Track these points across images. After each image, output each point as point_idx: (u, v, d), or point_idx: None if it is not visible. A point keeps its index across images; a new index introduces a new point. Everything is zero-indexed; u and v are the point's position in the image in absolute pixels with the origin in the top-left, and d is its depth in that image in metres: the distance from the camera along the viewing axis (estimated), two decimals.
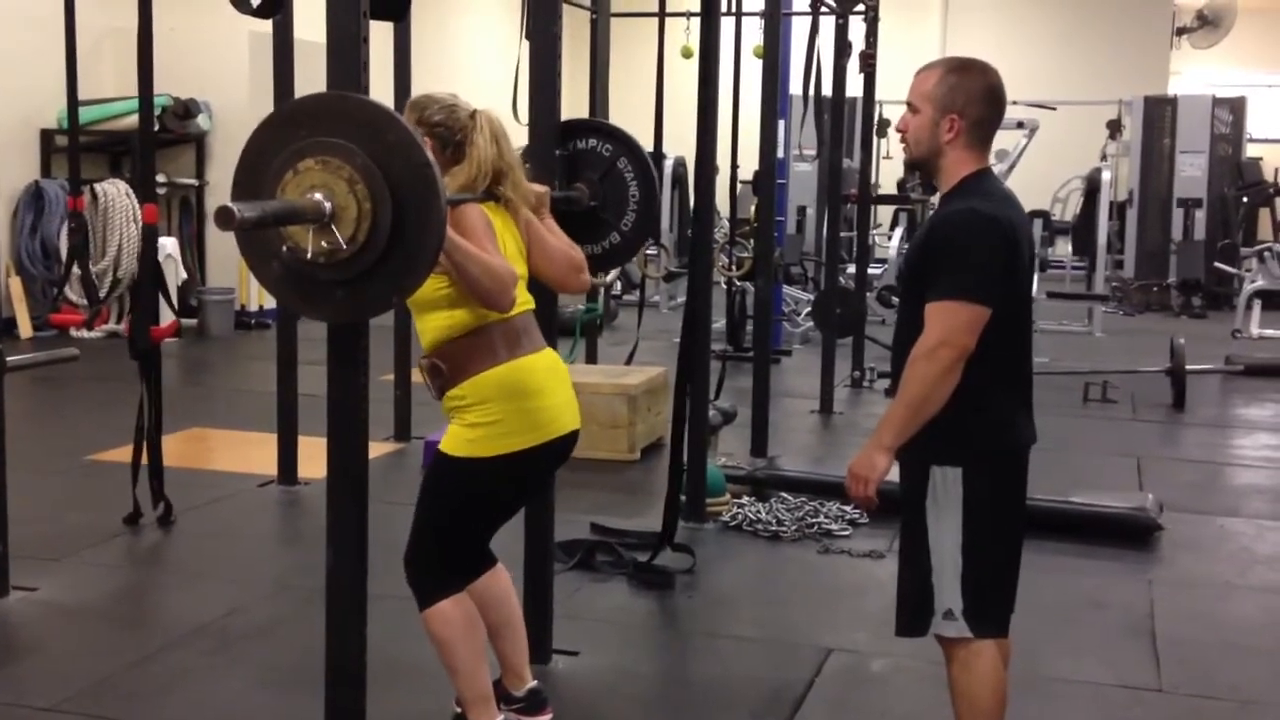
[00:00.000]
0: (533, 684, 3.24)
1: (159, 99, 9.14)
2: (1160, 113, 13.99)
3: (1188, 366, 7.97)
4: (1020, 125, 11.99)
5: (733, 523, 5.10)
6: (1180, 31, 16.27)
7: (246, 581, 4.40)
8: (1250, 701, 3.62)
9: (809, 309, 9.99)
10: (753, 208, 7.52)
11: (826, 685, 3.65)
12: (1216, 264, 13.24)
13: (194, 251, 10.77)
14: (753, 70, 6.77)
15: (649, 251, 8.83)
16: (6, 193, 9.65)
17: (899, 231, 12.93)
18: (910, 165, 2.80)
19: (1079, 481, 5.53)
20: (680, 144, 8.15)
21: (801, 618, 4.25)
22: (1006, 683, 2.76)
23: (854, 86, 7.99)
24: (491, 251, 2.84)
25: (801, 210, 12.24)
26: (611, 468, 5.99)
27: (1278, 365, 9.21)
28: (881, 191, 13.68)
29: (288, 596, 4.23)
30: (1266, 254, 11.59)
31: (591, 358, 7.82)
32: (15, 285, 9.47)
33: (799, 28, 8.82)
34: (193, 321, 9.98)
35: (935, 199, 2.83)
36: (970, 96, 2.67)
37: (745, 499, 5.33)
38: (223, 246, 10.63)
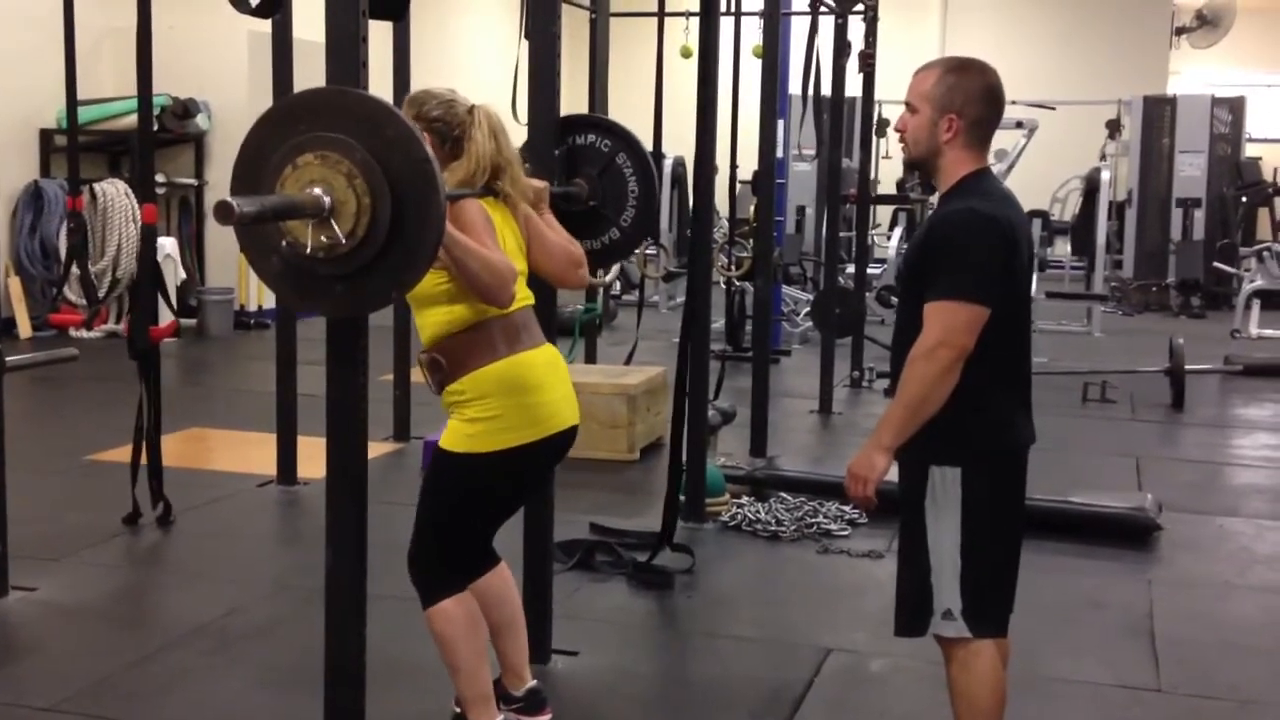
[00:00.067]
0: (532, 684, 3.24)
1: (158, 99, 9.11)
2: (1159, 112, 13.99)
3: (1187, 366, 7.97)
4: (1019, 125, 12.00)
5: (732, 523, 5.10)
6: (1179, 31, 16.28)
7: (246, 581, 4.40)
8: (1249, 701, 3.62)
9: (808, 309, 9.99)
10: (752, 207, 7.51)
11: (826, 685, 3.65)
12: (1215, 264, 13.24)
13: (193, 251, 10.77)
14: (752, 70, 6.77)
15: (648, 251, 8.82)
16: (6, 192, 9.65)
17: (898, 231, 12.94)
18: (909, 165, 2.80)
19: (1078, 481, 5.53)
20: (680, 144, 8.15)
21: (801, 618, 4.25)
22: (1005, 683, 2.76)
23: (853, 86, 7.99)
24: (491, 247, 2.84)
25: (801, 210, 12.24)
26: (611, 468, 5.99)
27: (1277, 365, 9.21)
28: (880, 191, 13.68)
29: (287, 596, 4.23)
30: (1265, 254, 11.59)
31: (591, 358, 7.81)
32: (14, 285, 9.47)
33: (798, 27, 8.83)
34: (192, 321, 9.98)
35: (934, 199, 2.83)
36: (969, 96, 2.67)
37: (744, 499, 5.33)
38: (222, 246, 10.64)
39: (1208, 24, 15.62)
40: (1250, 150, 15.24)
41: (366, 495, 2.47)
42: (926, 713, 3.39)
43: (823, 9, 7.30)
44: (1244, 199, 14.13)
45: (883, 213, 14.44)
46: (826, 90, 7.89)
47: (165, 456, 4.99)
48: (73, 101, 5.36)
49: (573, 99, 4.41)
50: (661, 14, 7.05)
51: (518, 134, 3.30)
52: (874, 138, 9.41)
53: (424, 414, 6.18)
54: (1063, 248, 14.41)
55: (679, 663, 3.95)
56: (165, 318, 5.04)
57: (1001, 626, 2.77)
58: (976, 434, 2.67)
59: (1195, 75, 18.41)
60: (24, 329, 9.42)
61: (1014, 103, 7.66)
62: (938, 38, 17.90)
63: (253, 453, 6.03)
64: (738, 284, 8.79)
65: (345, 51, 2.34)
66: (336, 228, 2.21)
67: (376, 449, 6.00)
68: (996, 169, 8.98)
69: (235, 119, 9.99)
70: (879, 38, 8.11)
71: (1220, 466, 6.64)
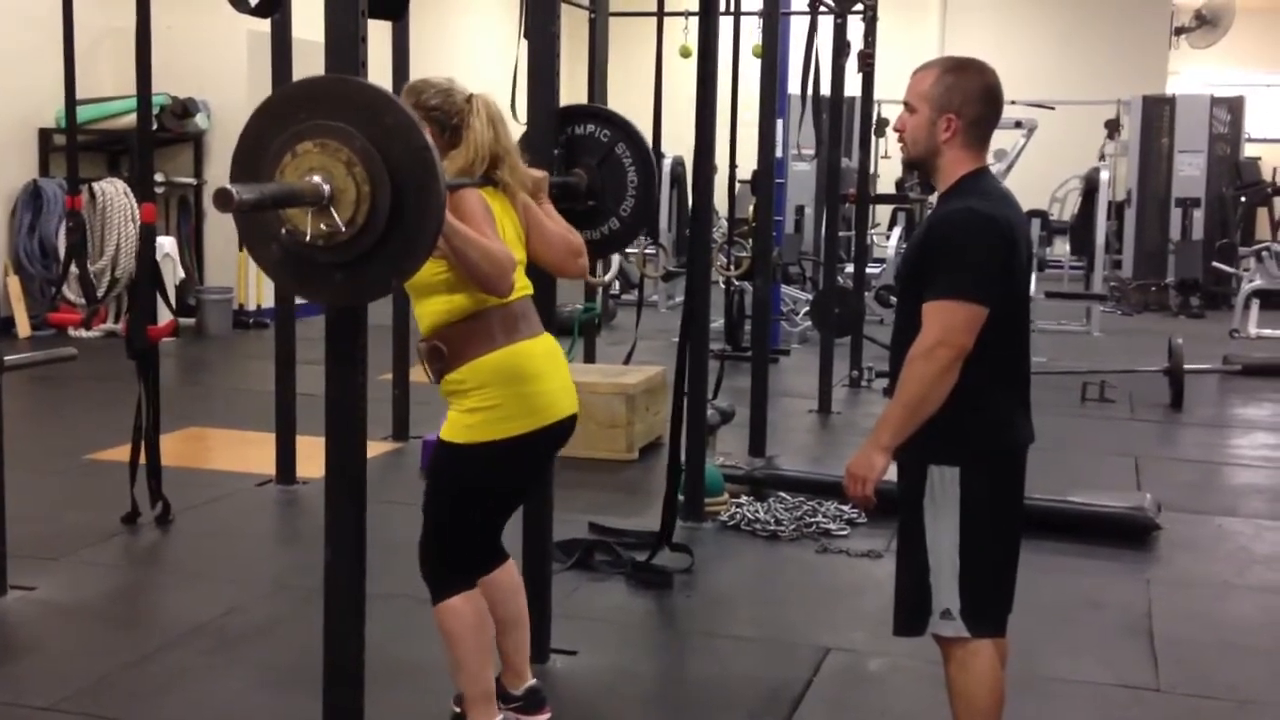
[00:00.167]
0: (532, 683, 3.25)
1: (157, 98, 9.13)
2: (1158, 112, 13.99)
3: (1186, 366, 7.97)
4: (1018, 125, 11.99)
5: (731, 522, 5.10)
6: (1179, 31, 16.27)
7: (245, 581, 4.40)
8: (1248, 701, 3.62)
9: (807, 308, 9.99)
10: (751, 207, 7.51)
11: (824, 685, 3.65)
12: (1214, 264, 13.24)
13: (192, 251, 10.76)
14: (751, 70, 6.77)
15: (647, 251, 8.82)
16: (5, 192, 9.64)
17: (897, 231, 12.94)
18: (908, 165, 2.81)
19: (1077, 481, 5.53)
20: (679, 143, 8.15)
21: (799, 617, 4.25)
22: (1004, 682, 2.76)
23: (852, 86, 7.99)
24: (490, 236, 2.84)
25: (800, 210, 12.23)
26: (610, 467, 5.99)
27: (1276, 365, 9.21)
28: (879, 191, 13.68)
29: (286, 596, 4.23)
30: (1264, 253, 11.59)
31: (590, 357, 7.81)
32: (13, 284, 9.46)
33: (797, 27, 8.82)
34: (191, 321, 9.97)
35: (933, 198, 2.83)
36: (967, 96, 2.67)
37: (743, 498, 5.33)
38: (221, 246, 10.65)
39: (1207, 24, 15.62)
40: (1249, 150, 15.24)
41: (365, 495, 2.47)
42: (925, 712, 3.39)
43: (822, 9, 7.30)
44: (1243, 199, 14.13)
45: (882, 212, 14.44)
46: (826, 90, 7.89)
47: (164, 456, 4.99)
48: (72, 101, 5.36)
49: (572, 98, 4.40)
50: (661, 14, 7.05)
51: (517, 134, 3.30)
52: (873, 137, 9.41)
53: (423, 413, 6.18)
54: (1062, 247, 14.40)
55: (678, 662, 3.95)
56: (164, 317, 5.03)
57: (1000, 626, 2.77)
58: (975, 433, 2.67)
59: (1194, 75, 18.41)
60: (23, 328, 9.42)
61: (1013, 102, 7.67)
62: (937, 37, 17.90)
63: (252, 452, 6.03)
64: (737, 283, 8.79)
65: (344, 51, 2.34)
66: (336, 215, 2.21)
67: (375, 448, 6.00)
68: (996, 169, 9.00)
69: (234, 118, 9.91)
70: (878, 37, 8.11)
71: (1219, 466, 6.64)
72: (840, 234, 9.18)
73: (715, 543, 4.92)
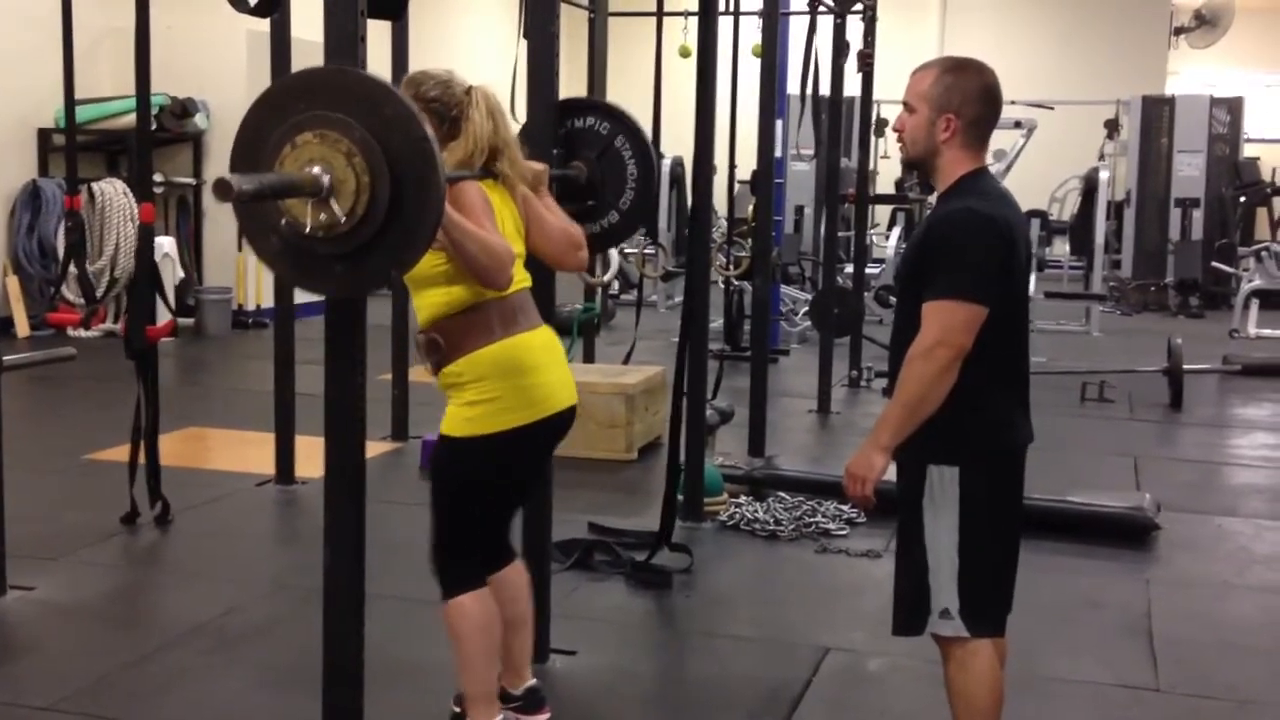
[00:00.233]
0: (531, 683, 3.24)
1: (156, 98, 9.13)
2: (1158, 113, 14.00)
3: (1185, 366, 7.97)
4: (1018, 125, 12.00)
5: (730, 522, 5.10)
6: (1178, 31, 16.27)
7: (244, 581, 4.40)
8: (1248, 701, 3.62)
9: (806, 308, 9.99)
10: (750, 207, 7.51)
11: (824, 684, 3.65)
12: (1214, 264, 13.25)
13: (191, 251, 10.76)
14: (751, 70, 6.77)
15: (647, 251, 8.83)
16: (4, 192, 9.64)
17: (896, 231, 12.95)
18: (907, 165, 2.81)
19: (1076, 481, 5.53)
20: (678, 143, 8.14)
21: (799, 617, 4.25)
22: (1003, 682, 2.77)
23: (852, 86, 7.99)
24: (489, 229, 2.84)
25: (799, 210, 12.23)
26: (609, 467, 5.99)
27: (1275, 365, 9.21)
28: (879, 191, 13.68)
29: (285, 596, 4.23)
30: (1264, 253, 11.59)
31: (589, 357, 7.81)
32: (12, 284, 9.46)
33: (797, 27, 8.81)
34: (190, 321, 9.97)
35: (932, 198, 2.83)
36: (966, 96, 2.67)
37: (743, 498, 5.33)
38: (220, 246, 10.65)
39: (1206, 24, 15.63)
40: (1248, 150, 15.24)
41: (365, 495, 2.47)
42: (925, 712, 3.39)
43: (821, 9, 7.30)
44: (1242, 199, 14.13)
45: (881, 212, 14.44)
46: (825, 90, 7.89)
47: (163, 456, 4.99)
48: (71, 101, 5.37)
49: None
50: (660, 14, 7.05)
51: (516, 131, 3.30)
52: (872, 137, 9.40)
53: (422, 413, 6.18)
54: (1061, 247, 14.41)
55: (677, 662, 3.95)
56: (163, 317, 5.03)
57: (999, 626, 2.77)
58: (974, 433, 2.67)
59: (1194, 75, 18.41)
60: (22, 328, 9.42)
61: (1012, 102, 7.66)
62: (936, 37, 17.90)
63: (251, 452, 6.03)
64: (736, 283, 8.79)
65: (344, 51, 2.34)
66: (335, 206, 2.20)
67: (375, 448, 6.00)
68: (995, 169, 9.00)
69: (234, 118, 9.74)
70: (877, 37, 8.11)
71: (1218, 466, 6.64)
72: (839, 234, 9.18)
73: (715, 543, 4.92)
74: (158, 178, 9.64)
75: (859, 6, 7.73)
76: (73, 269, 8.05)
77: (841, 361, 8.05)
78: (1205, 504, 5.77)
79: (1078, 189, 14.36)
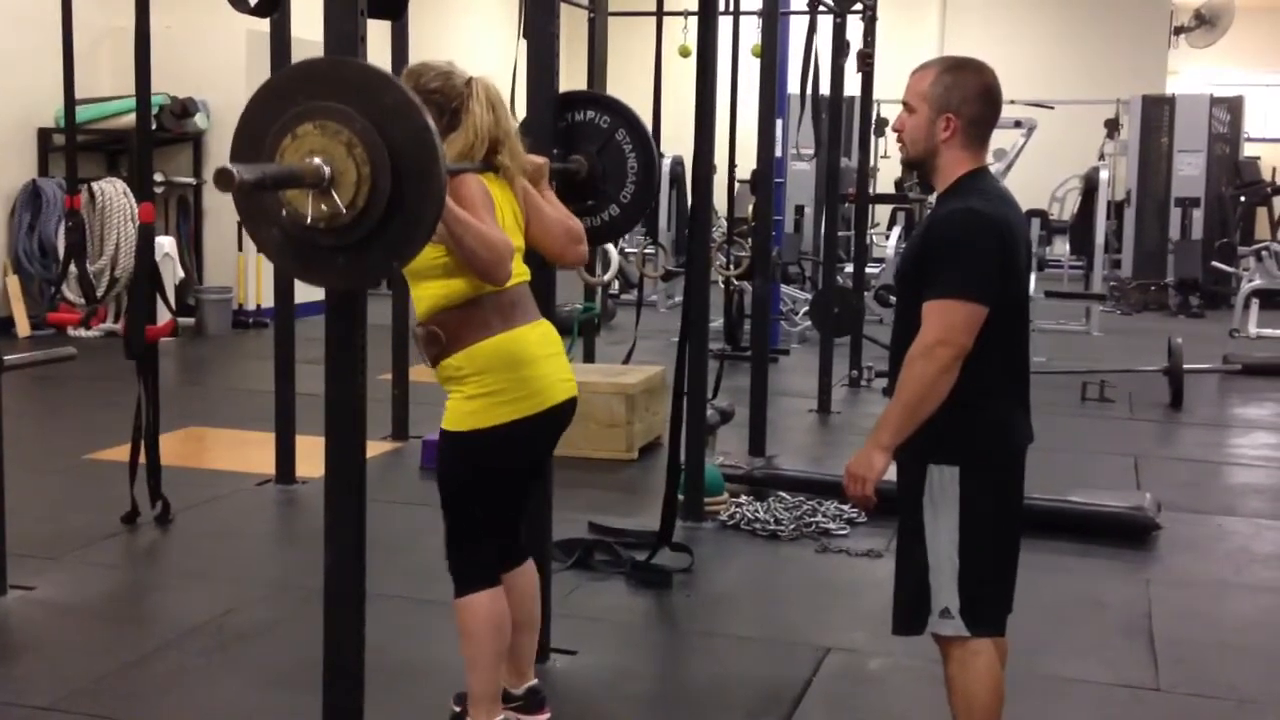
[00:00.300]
0: (532, 682, 3.24)
1: (156, 98, 9.12)
2: (1158, 112, 14.00)
3: (1185, 366, 7.97)
4: (1018, 124, 12.00)
5: (731, 522, 5.10)
6: (1178, 31, 16.28)
7: (244, 581, 4.40)
8: (1248, 700, 3.62)
9: (807, 308, 9.99)
10: (750, 207, 7.52)
11: (824, 684, 3.65)
12: (1214, 263, 13.25)
13: (192, 250, 10.76)
14: (751, 69, 6.77)
15: (646, 251, 8.82)
16: (4, 191, 9.64)
17: (896, 230, 12.95)
18: (907, 165, 2.81)
19: (1077, 481, 5.53)
20: (678, 143, 8.15)
21: (799, 617, 4.25)
22: (1003, 681, 2.77)
23: (852, 86, 7.99)
24: (489, 223, 2.84)
25: (799, 209, 12.24)
26: (609, 467, 5.99)
27: (1275, 364, 9.21)
28: (879, 190, 13.69)
29: (286, 596, 4.23)
30: (1264, 253, 11.59)
31: (589, 357, 7.82)
32: (13, 284, 9.47)
33: (797, 27, 8.82)
34: (190, 320, 9.97)
35: (932, 198, 2.83)
36: (966, 95, 2.67)
37: (743, 498, 5.33)
38: (220, 245, 10.65)
39: (1206, 23, 15.63)
40: (1249, 149, 15.25)
41: (365, 494, 2.47)
42: (925, 712, 3.39)
43: (821, 8, 7.30)
44: (1242, 198, 14.14)
45: (881, 212, 14.44)
46: (825, 90, 7.89)
47: (164, 455, 4.99)
48: (71, 101, 5.36)
49: None
50: (660, 13, 7.05)
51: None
52: (872, 137, 9.41)
53: (422, 413, 6.18)
54: (1061, 247, 14.41)
55: (677, 662, 3.95)
56: (163, 317, 5.03)
57: (999, 625, 2.77)
58: (975, 433, 2.67)
59: (1194, 75, 18.42)
60: (22, 328, 9.42)
61: (1012, 102, 7.65)
62: (936, 37, 17.91)
63: (251, 452, 6.03)
64: (736, 283, 8.79)
65: (344, 51, 2.33)
66: (336, 197, 2.20)
67: (375, 448, 6.00)
68: (995, 168, 8.99)
69: (234, 118, 9.82)
70: (877, 37, 8.11)
71: (1219, 466, 6.64)
72: (840, 234, 9.18)
73: (715, 542, 4.92)
74: (158, 178, 9.65)
75: (859, 6, 7.73)
76: (73, 269, 8.05)
77: (841, 361, 8.05)
78: (1205, 503, 5.77)
79: (1078, 189, 14.36)
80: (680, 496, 4.87)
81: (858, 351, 8.35)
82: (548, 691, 3.31)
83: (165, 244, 9.35)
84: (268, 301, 9.65)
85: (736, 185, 7.70)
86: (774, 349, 8.61)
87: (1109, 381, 8.07)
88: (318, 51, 2.37)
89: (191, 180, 10.59)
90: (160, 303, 5.01)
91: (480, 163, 2.95)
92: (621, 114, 3.65)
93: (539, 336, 3.00)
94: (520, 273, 3.00)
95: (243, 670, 3.66)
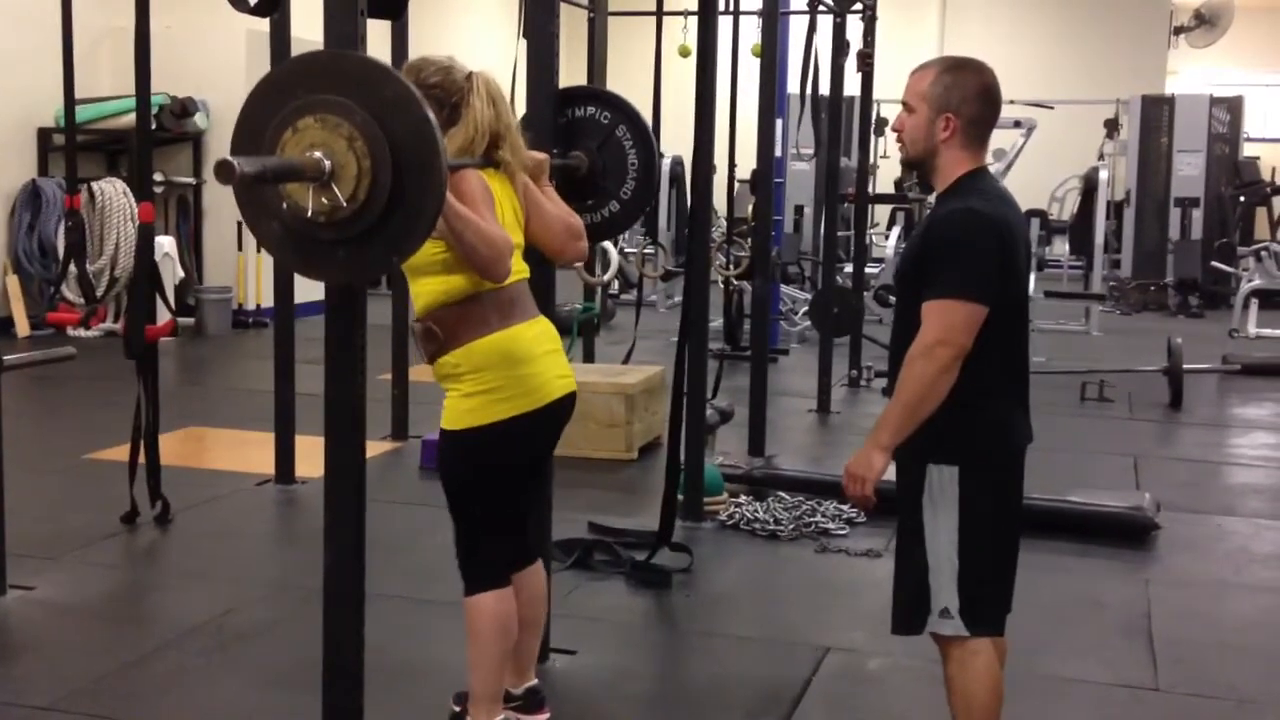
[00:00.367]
0: (532, 682, 3.24)
1: (156, 98, 9.12)
2: (1158, 112, 14.00)
3: (1185, 366, 7.97)
4: (1017, 124, 12.00)
5: (730, 522, 5.10)
6: (1178, 31, 16.28)
7: (244, 580, 4.40)
8: (1247, 700, 3.62)
9: (806, 308, 10.00)
10: (750, 207, 7.52)
11: (824, 684, 3.65)
12: (1213, 263, 13.25)
13: (191, 250, 10.77)
14: (751, 69, 6.77)
15: (646, 251, 8.82)
16: (4, 191, 9.64)
17: (896, 230, 12.95)
18: (907, 165, 2.81)
19: (1076, 481, 5.53)
20: (678, 143, 8.14)
21: (799, 617, 4.25)
22: (1003, 681, 2.77)
23: (851, 86, 7.99)
24: (489, 220, 2.83)
25: (799, 209, 12.24)
26: (609, 467, 5.99)
27: (1275, 364, 9.21)
28: (878, 190, 13.69)
29: (285, 596, 4.23)
30: (1264, 253, 11.59)
31: (589, 357, 7.82)
32: (12, 284, 9.47)
33: (796, 27, 8.82)
34: (190, 320, 9.97)
35: (932, 198, 2.83)
36: (965, 95, 2.67)
37: (743, 498, 5.33)
38: (220, 245, 10.65)
39: (1206, 23, 15.63)
40: (1248, 149, 15.25)
41: (365, 494, 2.47)
42: (925, 712, 3.39)
43: (821, 8, 7.30)
44: (1242, 198, 14.14)
45: (880, 212, 14.44)
46: (825, 90, 7.89)
47: (163, 455, 4.99)
48: (70, 100, 5.36)
49: None
50: (660, 13, 7.05)
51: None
52: (872, 137, 9.41)
53: (422, 413, 6.18)
54: (1061, 247, 14.41)
55: (677, 662, 3.95)
56: (163, 317, 5.03)
57: (999, 625, 2.77)
58: (974, 433, 2.67)
59: (1193, 75, 18.43)
60: (22, 328, 9.42)
61: (1012, 102, 7.65)
62: (936, 37, 17.91)
63: (251, 452, 6.03)
64: (736, 283, 8.79)
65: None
66: (337, 191, 2.20)
67: (375, 448, 6.00)
68: (995, 168, 9.00)
69: (233, 118, 9.85)
70: (877, 37, 8.11)
71: (1218, 466, 6.64)
72: (839, 233, 9.18)
73: (714, 542, 4.92)
74: (158, 177, 9.65)
75: (859, 6, 7.73)
76: (73, 269, 8.05)
77: (841, 361, 8.05)
78: (1205, 503, 5.77)
79: (1077, 189, 14.36)
80: (680, 496, 4.87)
81: (857, 351, 8.36)
82: (547, 691, 3.31)
83: (165, 244, 9.35)
84: (267, 301, 9.65)
85: (736, 185, 7.70)
86: (773, 349, 8.61)
87: (1108, 381, 8.07)
88: None
89: (191, 180, 10.59)
90: (160, 302, 5.01)
91: (481, 158, 2.95)
92: (622, 110, 3.65)
93: (536, 334, 3.00)
94: (519, 270, 3.00)
95: (242, 670, 3.66)
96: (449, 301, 2.90)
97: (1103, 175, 12.66)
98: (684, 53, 8.83)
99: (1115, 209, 14.13)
